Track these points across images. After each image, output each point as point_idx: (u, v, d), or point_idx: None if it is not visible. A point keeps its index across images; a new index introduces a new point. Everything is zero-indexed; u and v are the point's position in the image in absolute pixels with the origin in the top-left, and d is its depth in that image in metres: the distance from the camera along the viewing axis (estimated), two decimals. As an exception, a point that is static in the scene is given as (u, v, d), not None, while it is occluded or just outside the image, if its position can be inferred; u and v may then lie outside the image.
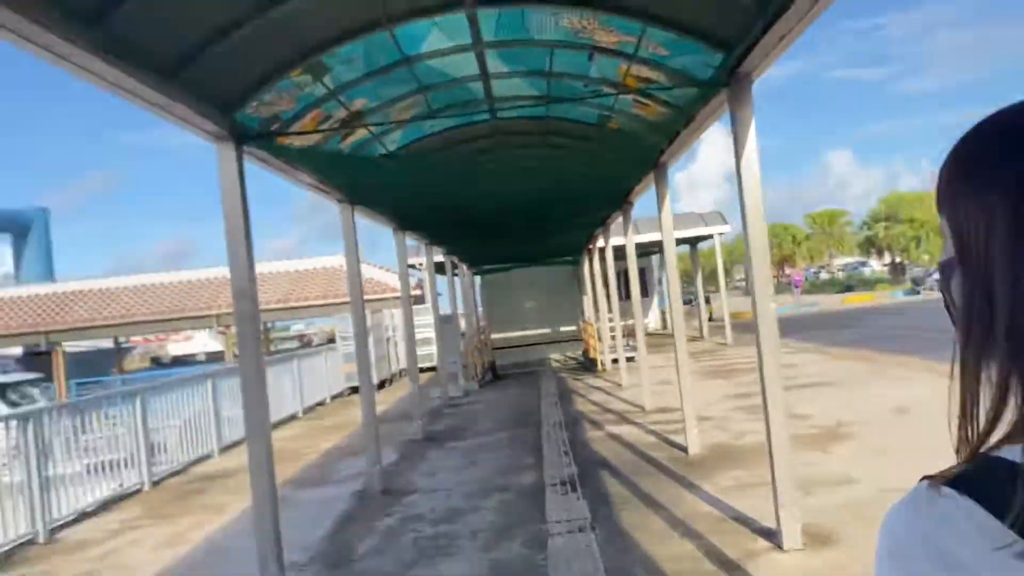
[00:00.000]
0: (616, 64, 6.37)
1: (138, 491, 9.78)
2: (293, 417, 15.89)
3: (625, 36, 5.60)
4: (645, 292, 31.02)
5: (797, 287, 46.91)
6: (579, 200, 11.60)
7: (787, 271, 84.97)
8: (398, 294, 27.93)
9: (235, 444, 12.72)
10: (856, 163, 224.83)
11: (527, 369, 23.17)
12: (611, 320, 20.54)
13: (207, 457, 11.85)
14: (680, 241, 26.81)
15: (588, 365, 20.75)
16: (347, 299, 26.01)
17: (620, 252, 16.87)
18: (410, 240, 15.74)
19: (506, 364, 24.92)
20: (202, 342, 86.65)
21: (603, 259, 16.93)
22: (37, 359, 29.70)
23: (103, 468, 9.71)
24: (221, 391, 13.04)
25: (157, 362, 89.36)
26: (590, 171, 9.96)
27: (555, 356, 27.73)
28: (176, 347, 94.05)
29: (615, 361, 18.36)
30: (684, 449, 8.56)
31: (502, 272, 30.08)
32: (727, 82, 5.28)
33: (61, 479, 9.01)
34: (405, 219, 11.38)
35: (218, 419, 12.49)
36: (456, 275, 28.16)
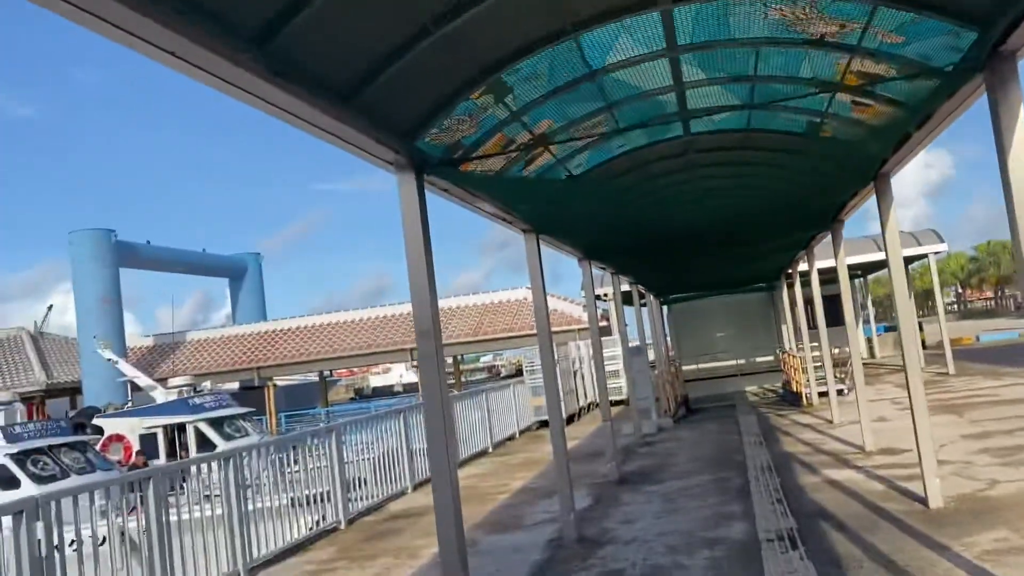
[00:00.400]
0: (834, 60, 5.54)
1: (334, 529, 9.81)
2: (484, 453, 15.73)
3: (848, 23, 4.80)
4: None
5: None
6: (781, 220, 10.60)
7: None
8: (583, 325, 27.45)
9: (428, 480, 12.64)
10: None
11: (722, 403, 21.88)
12: (816, 350, 18.98)
13: (402, 494, 11.81)
14: (882, 264, 24.55)
15: (791, 399, 19.20)
16: (533, 331, 25.96)
17: (823, 275, 15.44)
18: (596, 269, 15.27)
19: (699, 397, 23.71)
20: (398, 374, 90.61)
21: (807, 283, 15.55)
22: (251, 393, 31.91)
23: (304, 502, 9.85)
24: (411, 425, 13.06)
25: (359, 393, 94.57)
26: (796, 187, 9.01)
27: (751, 388, 26.13)
28: (376, 379, 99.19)
29: (822, 395, 16.83)
30: (922, 500, 7.35)
31: (692, 300, 28.89)
32: (983, 65, 4.35)
33: (263, 513, 9.20)
34: (590, 247, 10.87)
35: (410, 454, 12.48)
36: (644, 305, 27.39)
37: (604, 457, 11.34)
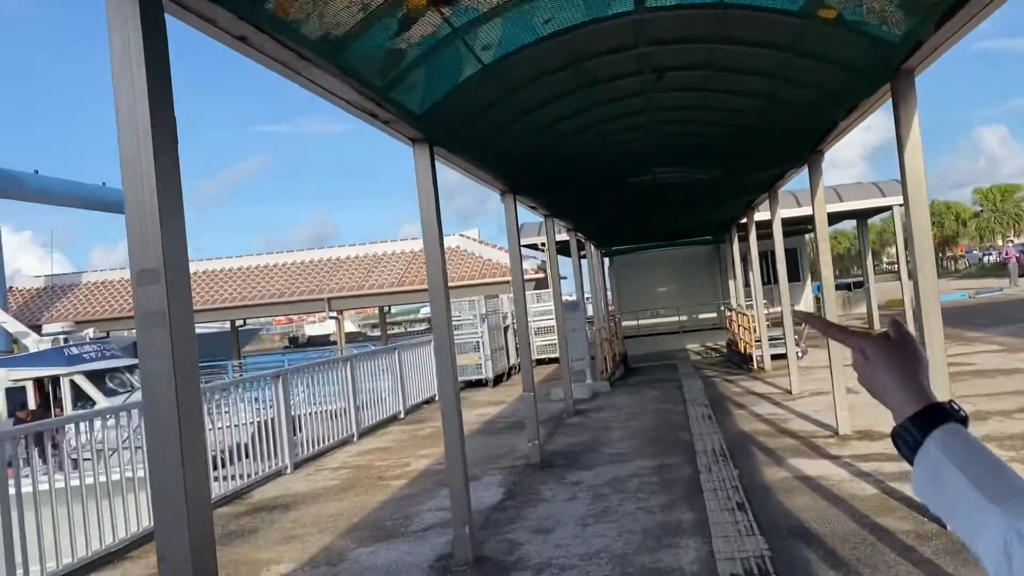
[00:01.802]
0: None
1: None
2: (395, 418, 13.66)
3: None
4: (796, 276, 27.29)
5: (1017, 264, 36.52)
6: (753, 146, 8.60)
7: (952, 251, 77.01)
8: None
9: (312, 458, 10.54)
10: (1013, 139, 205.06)
11: (663, 362, 20.23)
12: (769, 307, 17.35)
13: (278, 474, 9.68)
14: (844, 215, 23.01)
15: (737, 361, 17.55)
16: (464, 282, 23.80)
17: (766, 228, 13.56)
18: (533, 215, 13.20)
19: (638, 355, 22.05)
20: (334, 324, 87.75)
21: (764, 235, 13.72)
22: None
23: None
24: (296, 389, 10.96)
25: (294, 342, 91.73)
26: (779, 99, 6.97)
27: (693, 347, 24.59)
28: (312, 327, 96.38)
29: (775, 358, 15.16)
30: (935, 518, 5.52)
31: (634, 253, 27.14)
32: None
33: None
34: (514, 176, 8.72)
35: (293, 424, 10.42)
36: (583, 256, 25.53)
37: (526, 432, 9.38)
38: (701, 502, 6.54)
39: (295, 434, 10.52)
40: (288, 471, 9.82)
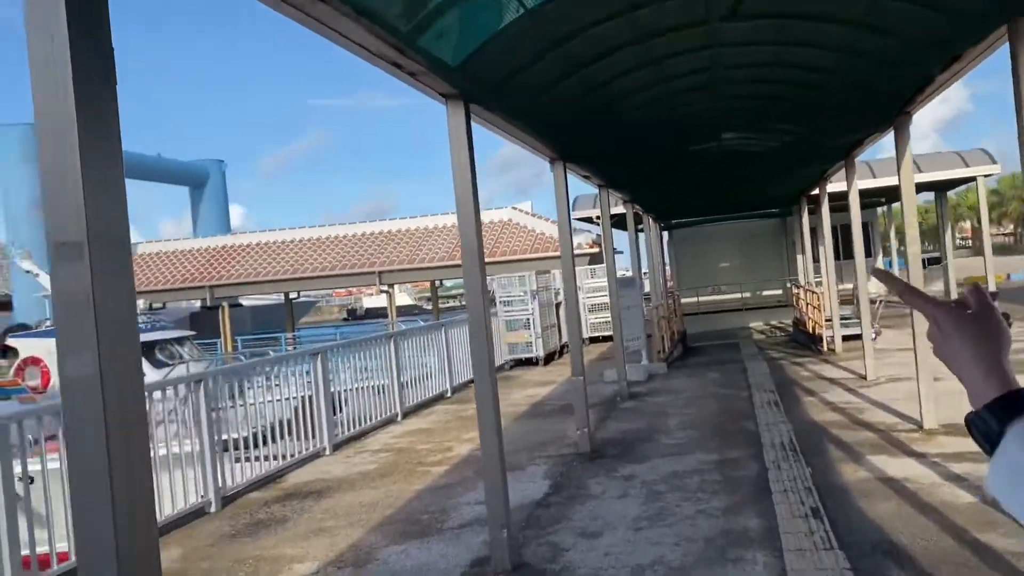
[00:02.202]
0: None
1: (200, 512, 7.25)
2: (441, 397, 13.17)
3: None
4: (867, 251, 25.94)
5: None
6: (828, 110, 7.73)
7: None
8: (574, 252, 24.74)
9: (352, 439, 10.09)
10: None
11: (724, 340, 19.35)
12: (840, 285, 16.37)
13: (315, 456, 9.26)
14: (921, 187, 21.61)
15: (804, 341, 16.60)
16: (515, 256, 23.18)
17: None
18: (587, 186, 12.43)
19: (698, 334, 21.18)
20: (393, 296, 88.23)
21: (838, 208, 12.72)
22: (213, 313, 29.35)
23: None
24: (337, 367, 10.54)
25: (352, 314, 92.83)
26: (861, 49, 6.11)
27: (755, 325, 23.60)
28: (370, 300, 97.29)
29: (847, 339, 14.21)
30: (1045, 532, 4.73)
31: (695, 226, 26.13)
32: None
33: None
34: (558, 138, 8.00)
35: (331, 404, 10.01)
36: (641, 230, 24.66)
37: (576, 419, 8.75)
38: (770, 506, 5.83)
39: (336, 413, 10.10)
40: (327, 452, 9.39)
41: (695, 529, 5.49)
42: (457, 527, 6.13)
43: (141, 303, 19.75)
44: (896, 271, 28.15)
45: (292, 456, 8.94)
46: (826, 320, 14.38)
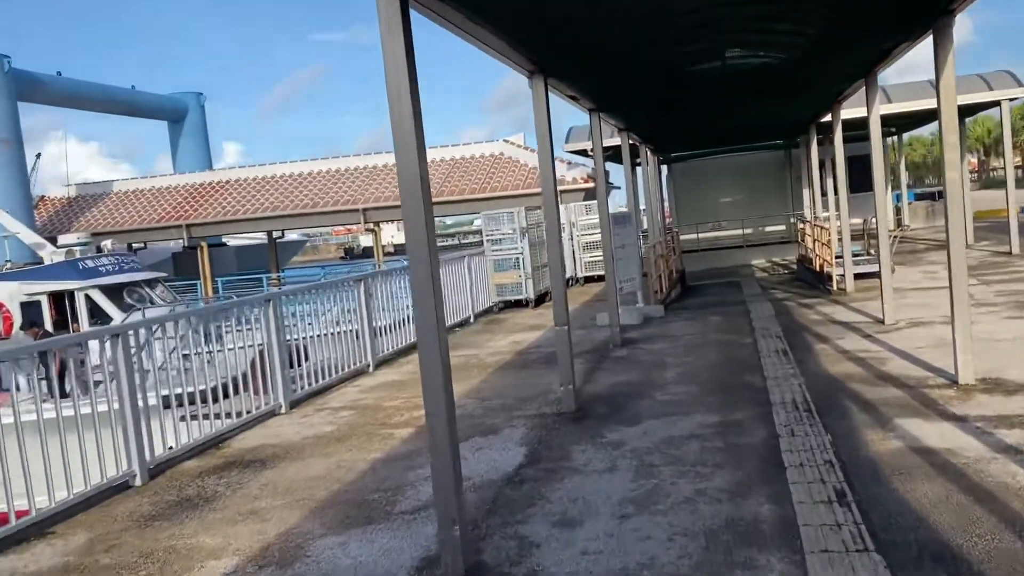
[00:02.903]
0: None
1: (125, 486, 6.27)
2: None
3: None
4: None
5: None
6: (852, 8, 6.49)
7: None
8: (567, 187, 23.42)
9: (312, 395, 9.09)
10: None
11: (724, 279, 18.32)
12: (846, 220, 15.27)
13: (271, 415, 8.28)
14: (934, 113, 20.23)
15: (810, 279, 15.55)
16: (506, 192, 21.98)
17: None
18: (580, 113, 11.17)
19: (697, 272, 20.13)
20: (390, 233, 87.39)
21: (852, 137, 11.54)
22: (192, 255, 28.22)
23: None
24: (295, 311, 9.51)
25: (349, 253, 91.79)
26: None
27: (757, 262, 22.54)
28: (367, 239, 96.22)
29: (859, 277, 13.15)
30: None
31: (695, 159, 24.85)
32: None
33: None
34: (537, 46, 6.76)
35: (292, 356, 9.00)
36: (638, 164, 23.46)
37: (560, 372, 7.75)
38: (784, 485, 4.83)
39: (299, 365, 9.10)
40: (282, 410, 8.41)
41: (694, 518, 4.49)
42: (410, 512, 5.14)
43: (109, 243, 18.59)
44: (905, 205, 26.92)
45: (242, 415, 7.97)
46: (836, 257, 13.27)
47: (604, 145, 21.70)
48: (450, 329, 13.50)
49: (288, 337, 8.99)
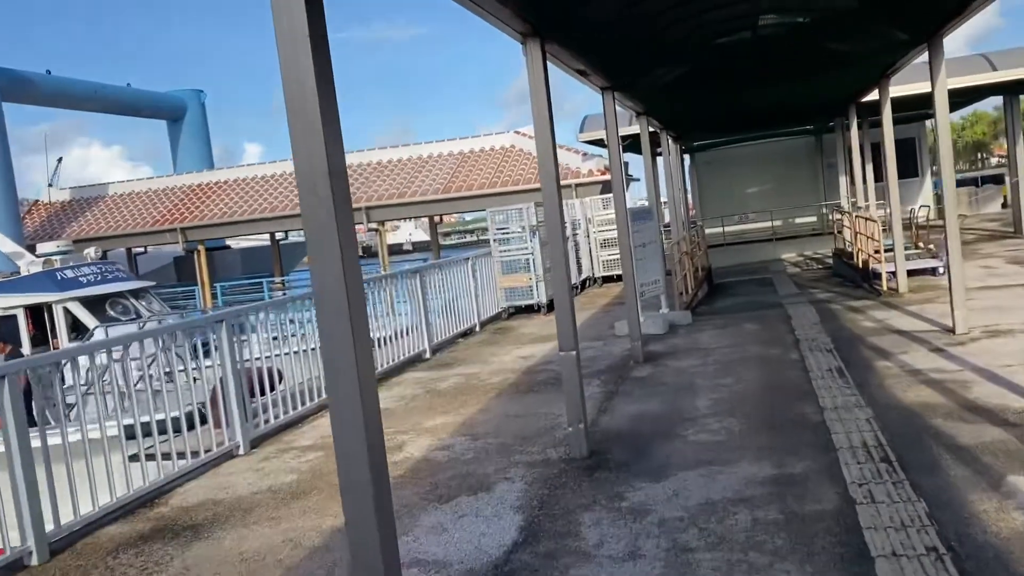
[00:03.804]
0: None
1: (19, 566, 4.97)
2: (417, 360, 10.82)
3: None
4: (914, 170, 23.07)
5: None
6: None
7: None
8: (583, 180, 21.97)
9: (282, 430, 7.76)
10: None
11: (754, 276, 16.86)
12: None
13: (228, 457, 6.96)
14: (989, 89, 18.62)
15: (851, 276, 14.03)
16: (517, 187, 20.57)
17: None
18: (591, 89, 9.72)
19: (724, 268, 18.67)
20: (407, 232, 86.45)
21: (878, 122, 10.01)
22: (193, 259, 27.06)
23: None
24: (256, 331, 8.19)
25: (367, 251, 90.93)
26: None
27: (788, 256, 21.04)
28: (387, 237, 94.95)
29: (912, 274, 11.65)
30: None
31: (719, 148, 23.35)
32: None
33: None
34: (545, 7, 5.36)
35: (248, 385, 7.68)
36: (659, 153, 22.03)
37: (584, 378, 6.38)
38: (876, 590, 3.41)
39: (267, 393, 7.77)
40: (240, 451, 7.08)
41: (754, 654, 3.08)
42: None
43: (92, 251, 17.36)
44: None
45: (199, 455, 6.67)
46: (886, 250, 11.74)
47: (623, 134, 20.30)
48: (453, 340, 12.16)
49: (257, 356, 7.70)
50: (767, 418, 6.24)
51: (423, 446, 6.62)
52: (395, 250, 67.96)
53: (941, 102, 8.31)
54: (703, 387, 7.46)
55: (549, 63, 6.15)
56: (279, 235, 28.27)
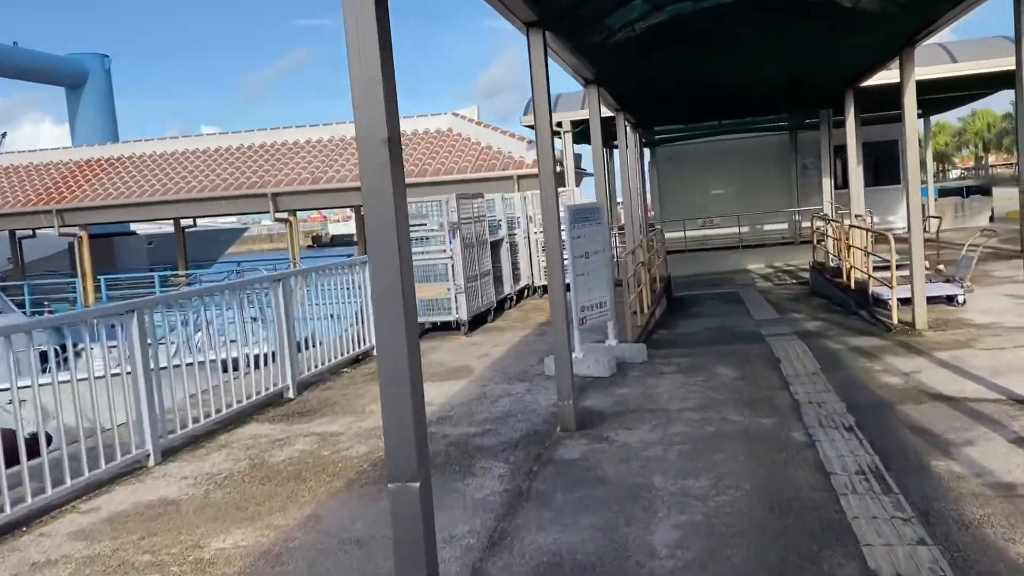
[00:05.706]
0: None
1: None
2: (278, 399, 7.91)
3: None
4: (894, 177, 20.65)
5: None
6: None
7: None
8: (524, 171, 19.20)
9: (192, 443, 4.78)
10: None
11: (720, 289, 14.36)
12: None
13: (137, 467, 3.95)
14: (999, 79, 16.29)
15: (843, 300, 11.45)
16: (451, 177, 17.79)
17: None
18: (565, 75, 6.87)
19: (683, 278, 16.13)
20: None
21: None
22: (92, 246, 23.62)
23: None
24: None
25: (317, 241, 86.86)
26: None
27: (755, 266, 18.61)
28: (336, 227, 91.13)
29: (904, 302, 9.05)
30: None
31: (683, 143, 20.85)
32: None
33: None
34: None
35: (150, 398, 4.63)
36: (614, 146, 19.37)
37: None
38: None
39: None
40: (151, 463, 4.08)
41: None
42: None
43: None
44: (931, 201, 22.90)
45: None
46: (899, 273, 9.09)
47: (575, 119, 17.44)
48: (336, 369, 9.25)
49: None
50: (772, 562, 3.45)
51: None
52: (346, 241, 63.87)
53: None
54: (663, 497, 4.64)
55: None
56: (187, 222, 24.93)
